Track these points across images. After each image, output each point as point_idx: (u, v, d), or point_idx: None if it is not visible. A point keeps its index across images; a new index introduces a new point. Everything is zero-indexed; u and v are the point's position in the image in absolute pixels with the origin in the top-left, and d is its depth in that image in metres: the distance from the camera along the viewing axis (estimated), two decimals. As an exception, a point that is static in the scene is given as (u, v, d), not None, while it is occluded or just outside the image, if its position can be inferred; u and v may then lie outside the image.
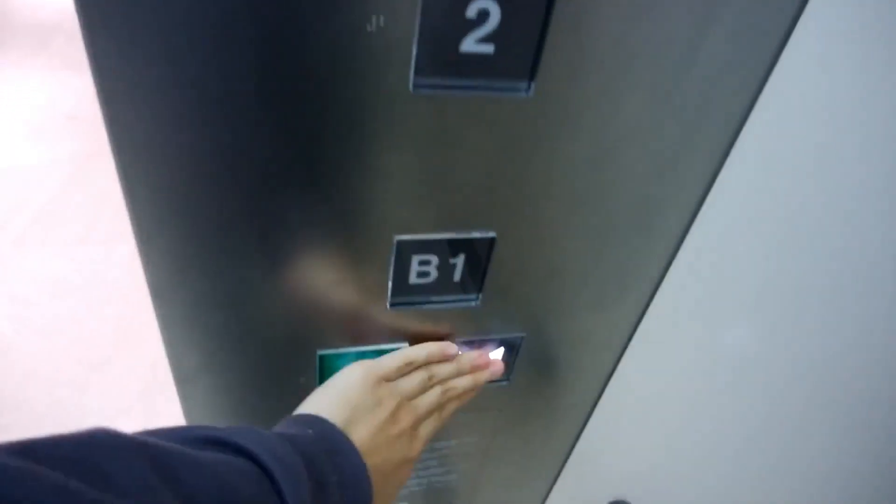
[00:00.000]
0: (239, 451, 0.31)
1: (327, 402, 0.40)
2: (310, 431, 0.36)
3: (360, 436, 0.39)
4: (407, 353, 0.43)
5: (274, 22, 0.28)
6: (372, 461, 0.38)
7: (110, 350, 1.81)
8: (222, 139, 0.32)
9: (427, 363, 0.45)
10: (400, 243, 0.39)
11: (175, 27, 0.27)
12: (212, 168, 0.33)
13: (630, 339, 0.54)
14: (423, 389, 0.44)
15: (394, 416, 0.41)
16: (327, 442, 0.36)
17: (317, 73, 0.30)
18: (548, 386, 0.56)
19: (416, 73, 0.31)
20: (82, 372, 1.76)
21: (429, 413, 0.45)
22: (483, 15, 0.31)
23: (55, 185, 2.29)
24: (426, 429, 0.45)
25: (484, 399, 0.54)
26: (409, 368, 0.44)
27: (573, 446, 0.63)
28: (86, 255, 2.03)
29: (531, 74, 0.33)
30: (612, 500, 0.58)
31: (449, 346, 0.45)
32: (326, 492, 0.34)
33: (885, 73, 0.30)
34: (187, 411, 0.46)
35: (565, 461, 0.65)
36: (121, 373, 1.76)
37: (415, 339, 0.47)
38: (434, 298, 0.44)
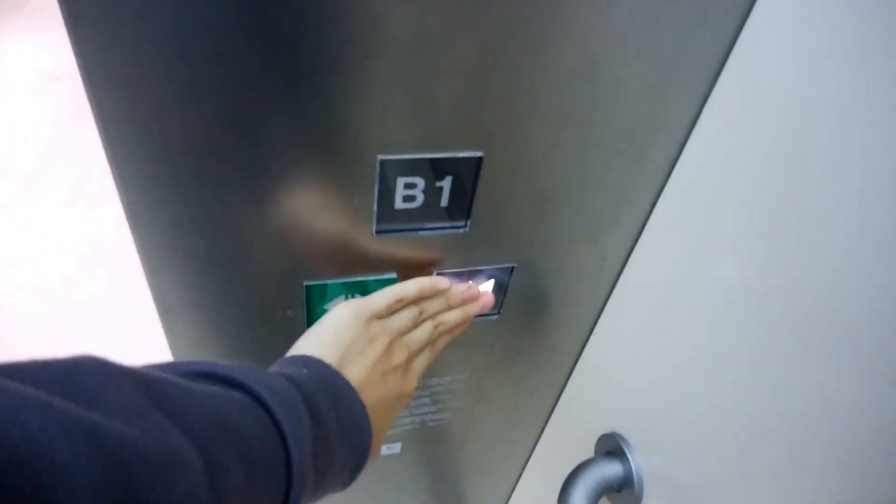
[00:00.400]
0: (234, 384, 0.30)
1: (319, 343, 0.39)
2: (304, 371, 0.35)
3: (354, 374, 0.38)
4: (397, 289, 0.42)
5: None
6: (368, 398, 0.38)
7: (103, 310, 1.80)
8: (196, 56, 0.30)
9: (418, 299, 0.44)
10: (384, 163, 0.38)
11: None
12: (184, 87, 0.31)
13: (621, 270, 0.53)
14: (415, 325, 0.44)
15: (387, 353, 0.41)
16: (323, 380, 0.36)
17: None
18: (539, 319, 0.56)
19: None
20: (75, 333, 1.75)
21: (421, 348, 0.44)
22: None
23: (41, 146, 2.24)
24: (419, 364, 0.45)
25: (475, 333, 0.54)
26: (400, 305, 0.43)
27: (567, 380, 0.63)
28: (75, 217, 2.01)
29: (516, -28, 0.31)
30: (603, 432, 0.58)
31: (440, 281, 0.44)
32: (325, 427, 0.33)
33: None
34: (173, 347, 0.46)
35: (559, 396, 0.65)
36: (114, 333, 1.76)
37: (402, 269, 0.46)
38: (421, 225, 0.43)
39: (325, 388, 0.35)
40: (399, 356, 0.41)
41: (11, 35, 2.77)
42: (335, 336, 0.39)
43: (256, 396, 0.30)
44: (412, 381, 0.43)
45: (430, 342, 0.45)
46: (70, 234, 1.96)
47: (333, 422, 0.34)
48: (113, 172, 0.34)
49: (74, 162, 2.18)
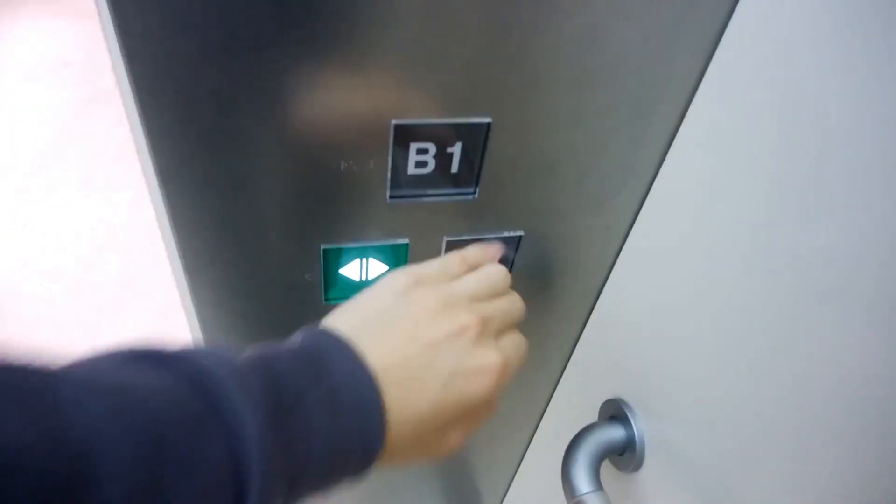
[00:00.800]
0: (171, 370, 0.24)
1: (343, 311, 0.34)
2: (295, 344, 0.30)
3: (372, 342, 0.30)
4: (454, 253, 0.37)
5: None
6: (391, 373, 0.30)
7: (117, 293, 1.83)
8: (221, 21, 0.32)
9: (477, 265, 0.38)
10: (397, 127, 0.40)
11: None
12: (213, 53, 0.33)
13: (625, 239, 0.55)
14: (491, 295, 0.37)
15: (438, 315, 0.32)
16: (312, 354, 0.29)
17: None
18: (546, 287, 0.57)
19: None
20: (90, 315, 1.79)
21: (506, 321, 0.36)
22: None
23: (53, 132, 2.27)
24: (512, 340, 0.36)
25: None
26: (463, 268, 0.37)
27: (573, 348, 0.65)
28: (88, 201, 2.04)
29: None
30: (607, 398, 0.60)
31: (498, 248, 0.40)
32: (304, 411, 0.26)
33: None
34: (198, 308, 0.48)
35: (566, 363, 0.67)
36: (129, 315, 1.79)
37: (414, 234, 0.48)
38: (432, 191, 0.45)
39: (312, 362, 0.28)
40: (463, 319, 0.32)
41: (22, 21, 2.80)
42: (359, 302, 0.34)
43: (196, 383, 0.24)
44: (494, 355, 0.33)
45: (514, 321, 0.37)
46: (84, 217, 2.00)
47: (318, 402, 0.27)
48: (144, 132, 0.36)
49: (87, 147, 2.21)
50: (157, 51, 0.32)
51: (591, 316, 0.61)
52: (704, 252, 0.46)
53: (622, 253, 0.55)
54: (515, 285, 0.56)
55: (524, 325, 0.61)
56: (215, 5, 0.31)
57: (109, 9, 0.30)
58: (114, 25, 0.30)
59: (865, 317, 0.33)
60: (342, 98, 0.37)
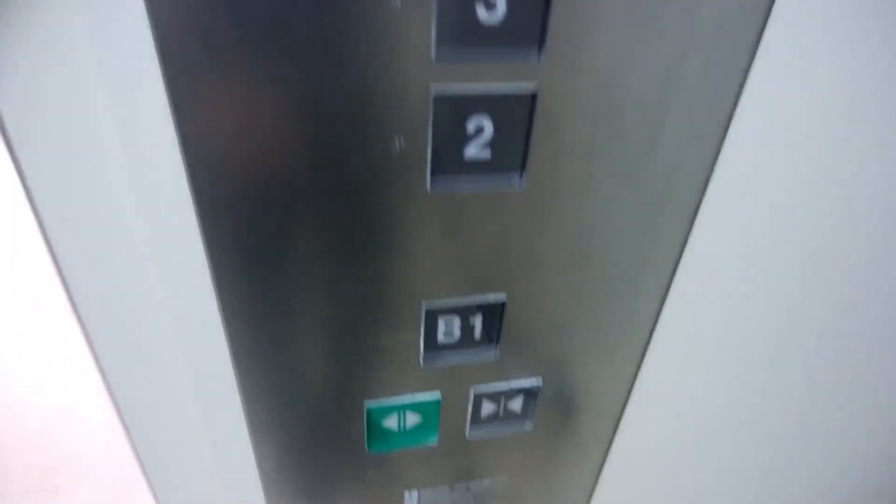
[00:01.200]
0: None
1: None
2: None
3: None
4: None
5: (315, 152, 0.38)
6: None
7: (164, 413, 1.90)
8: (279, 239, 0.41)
9: None
10: (428, 311, 0.48)
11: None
12: (281, 267, 0.42)
13: (635, 378, 0.60)
14: None
15: None
16: None
17: (357, 185, 0.40)
18: (565, 428, 0.63)
19: (432, 177, 0.40)
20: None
21: None
22: (479, 129, 0.40)
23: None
24: None
25: (512, 444, 0.62)
26: None
27: (594, 487, 0.69)
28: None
29: (521, 172, 0.42)
30: (633, 530, 0.63)
31: None
32: None
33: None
34: (259, 461, 0.54)
35: (590, 498, 0.71)
36: (174, 434, 1.85)
37: (445, 389, 0.55)
38: (459, 354, 0.52)
39: None
40: None
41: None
42: None
43: None
44: None
45: None
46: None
47: None
48: (223, 321, 0.44)
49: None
50: (243, 264, 0.41)
51: (609, 455, 0.66)
52: (707, 394, 0.52)
53: (633, 393, 0.61)
54: (536, 425, 0.62)
55: (547, 464, 0.66)
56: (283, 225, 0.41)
57: (196, 206, 0.39)
58: (202, 235, 0.40)
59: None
60: (382, 288, 0.46)
